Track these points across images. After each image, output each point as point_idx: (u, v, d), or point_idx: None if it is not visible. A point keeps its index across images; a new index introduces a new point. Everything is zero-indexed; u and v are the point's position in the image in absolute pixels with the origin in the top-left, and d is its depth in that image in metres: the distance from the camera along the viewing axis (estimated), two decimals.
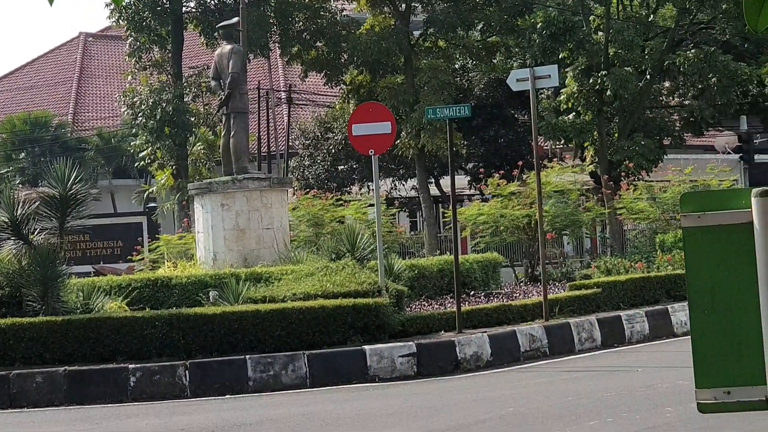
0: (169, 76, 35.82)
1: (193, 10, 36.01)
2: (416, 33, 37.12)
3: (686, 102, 36.35)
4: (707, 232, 5.38)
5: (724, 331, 5.29)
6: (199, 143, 36.35)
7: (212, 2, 35.74)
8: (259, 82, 42.11)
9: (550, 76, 24.40)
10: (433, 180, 39.55)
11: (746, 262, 5.21)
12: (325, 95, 42.78)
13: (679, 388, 14.31)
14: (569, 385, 16.42)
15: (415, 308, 21.58)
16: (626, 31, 33.05)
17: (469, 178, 39.65)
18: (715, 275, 5.35)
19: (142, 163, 35.75)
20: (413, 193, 39.45)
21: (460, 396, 15.90)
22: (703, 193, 6.26)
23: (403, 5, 36.03)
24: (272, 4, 34.85)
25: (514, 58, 37.67)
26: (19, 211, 17.73)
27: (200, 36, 36.04)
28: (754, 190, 5.08)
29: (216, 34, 30.47)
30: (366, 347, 18.33)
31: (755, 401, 5.23)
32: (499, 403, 14.80)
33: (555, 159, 33.21)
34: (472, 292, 23.95)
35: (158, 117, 33.23)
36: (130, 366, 15.99)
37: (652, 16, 36.27)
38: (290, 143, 43.57)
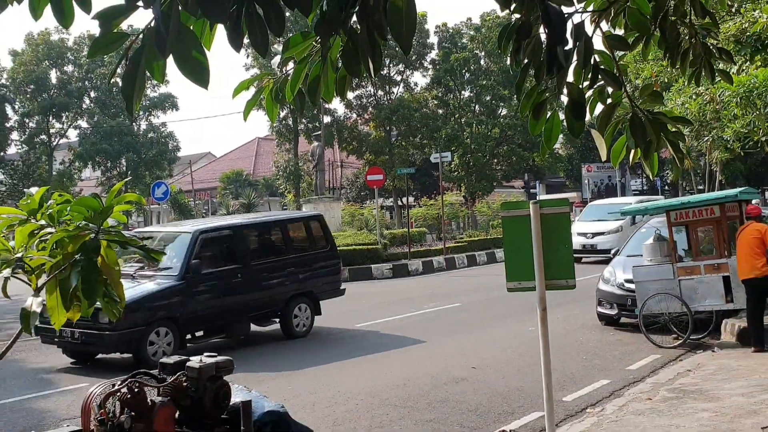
0: None
1: None
2: None
3: (504, 167, 55.67)
4: (512, 220, 8.56)
5: (518, 259, 8.54)
6: None
7: None
8: None
9: (448, 156, 40.66)
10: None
11: (528, 233, 8.38)
12: None
13: (496, 281, 23.73)
14: (455, 281, 26.45)
15: (391, 250, 31.67)
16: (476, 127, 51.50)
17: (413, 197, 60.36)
18: (515, 238, 8.51)
19: None
20: (389, 203, 62.35)
21: (410, 284, 25.83)
22: (510, 202, 9.40)
23: None
24: None
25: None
26: None
27: None
28: (531, 201, 8.30)
29: None
30: (372, 265, 27.76)
31: (530, 287, 8.60)
32: (428, 286, 24.84)
33: (450, 191, 54.11)
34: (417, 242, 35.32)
35: None
36: None
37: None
38: None
